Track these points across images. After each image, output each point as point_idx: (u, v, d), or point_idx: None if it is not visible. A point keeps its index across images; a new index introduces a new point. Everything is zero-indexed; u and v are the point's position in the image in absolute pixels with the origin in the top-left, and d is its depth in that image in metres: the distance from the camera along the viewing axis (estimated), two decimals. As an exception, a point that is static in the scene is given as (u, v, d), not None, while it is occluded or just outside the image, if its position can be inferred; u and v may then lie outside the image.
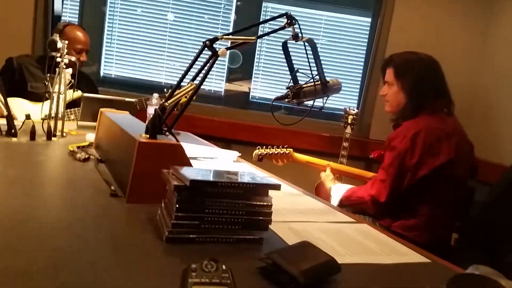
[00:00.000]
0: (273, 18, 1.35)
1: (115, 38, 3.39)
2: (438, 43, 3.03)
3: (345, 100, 3.32)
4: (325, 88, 1.38)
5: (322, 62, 1.38)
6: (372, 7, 3.23)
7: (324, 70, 1.38)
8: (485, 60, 3.02)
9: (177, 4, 3.36)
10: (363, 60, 3.26)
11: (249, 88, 3.40)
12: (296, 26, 1.33)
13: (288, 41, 1.38)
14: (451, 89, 1.84)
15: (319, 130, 3.11)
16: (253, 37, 1.24)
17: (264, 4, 3.36)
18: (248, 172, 1.01)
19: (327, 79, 1.41)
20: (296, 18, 1.35)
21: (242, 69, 3.41)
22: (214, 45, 1.19)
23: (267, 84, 3.41)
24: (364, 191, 1.75)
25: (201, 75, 1.18)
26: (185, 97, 1.17)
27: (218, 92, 3.38)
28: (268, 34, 1.31)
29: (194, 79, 1.20)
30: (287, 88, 1.41)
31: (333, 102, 3.30)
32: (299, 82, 1.41)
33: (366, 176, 1.99)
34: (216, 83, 3.39)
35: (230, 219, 0.87)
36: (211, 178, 0.88)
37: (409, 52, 1.87)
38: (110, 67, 3.42)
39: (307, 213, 1.19)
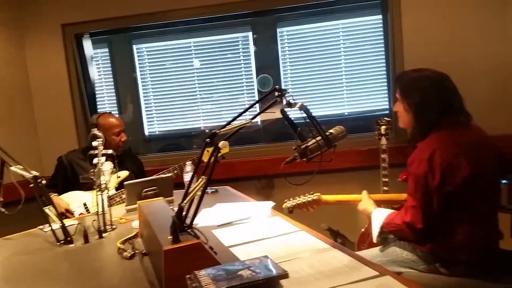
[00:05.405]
0: (266, 95, 1.45)
1: (151, 97, 3.64)
2: (454, 31, 2.95)
3: (377, 102, 3.32)
4: (328, 141, 1.45)
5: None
6: (379, 6, 3.23)
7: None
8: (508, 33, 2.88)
9: (199, 49, 3.55)
10: (384, 58, 3.24)
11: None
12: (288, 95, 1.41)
13: (284, 108, 1.46)
14: (480, 73, 1.70)
15: (356, 146, 3.11)
16: (247, 121, 1.34)
17: (278, 29, 3.44)
18: (262, 259, 1.10)
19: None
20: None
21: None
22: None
23: (300, 100, 3.48)
24: (400, 218, 1.74)
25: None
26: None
27: (256, 124, 3.49)
28: (262, 112, 1.39)
29: (203, 173, 1.33)
30: (294, 149, 1.49)
31: (364, 106, 3.31)
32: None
33: (401, 199, 1.97)
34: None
35: (249, 315, 0.98)
36: (225, 286, 0.99)
37: (416, 70, 1.83)
38: (152, 125, 3.67)
39: (332, 275, 1.25)
